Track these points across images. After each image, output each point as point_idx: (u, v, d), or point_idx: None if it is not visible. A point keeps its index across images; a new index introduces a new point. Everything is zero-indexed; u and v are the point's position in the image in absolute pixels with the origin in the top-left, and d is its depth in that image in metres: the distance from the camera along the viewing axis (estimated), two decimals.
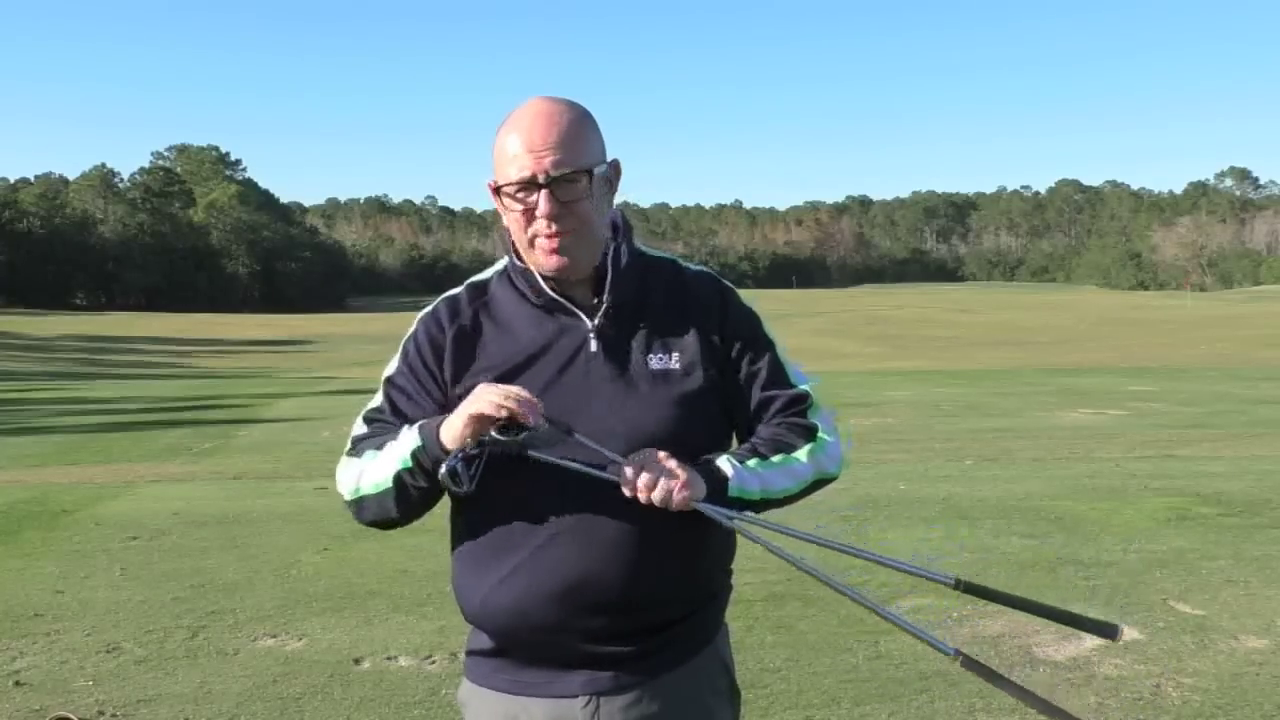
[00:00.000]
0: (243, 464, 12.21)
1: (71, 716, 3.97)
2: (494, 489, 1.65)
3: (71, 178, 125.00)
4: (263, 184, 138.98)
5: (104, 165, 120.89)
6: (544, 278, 1.73)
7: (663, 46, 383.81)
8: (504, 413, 1.56)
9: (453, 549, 1.79)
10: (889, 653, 4.54)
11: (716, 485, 1.65)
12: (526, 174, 1.65)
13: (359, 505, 1.75)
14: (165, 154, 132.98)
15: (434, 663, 4.58)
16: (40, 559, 6.73)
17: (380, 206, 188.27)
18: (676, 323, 1.76)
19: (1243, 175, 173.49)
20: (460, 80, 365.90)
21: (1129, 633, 4.88)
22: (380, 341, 49.06)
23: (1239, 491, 8.50)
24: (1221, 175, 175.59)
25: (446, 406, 1.69)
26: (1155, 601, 5.37)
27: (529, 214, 1.68)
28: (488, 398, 1.58)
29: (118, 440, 15.69)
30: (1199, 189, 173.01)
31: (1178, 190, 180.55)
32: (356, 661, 4.63)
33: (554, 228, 1.67)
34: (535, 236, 1.69)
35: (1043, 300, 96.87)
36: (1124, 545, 6.62)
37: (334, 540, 7.06)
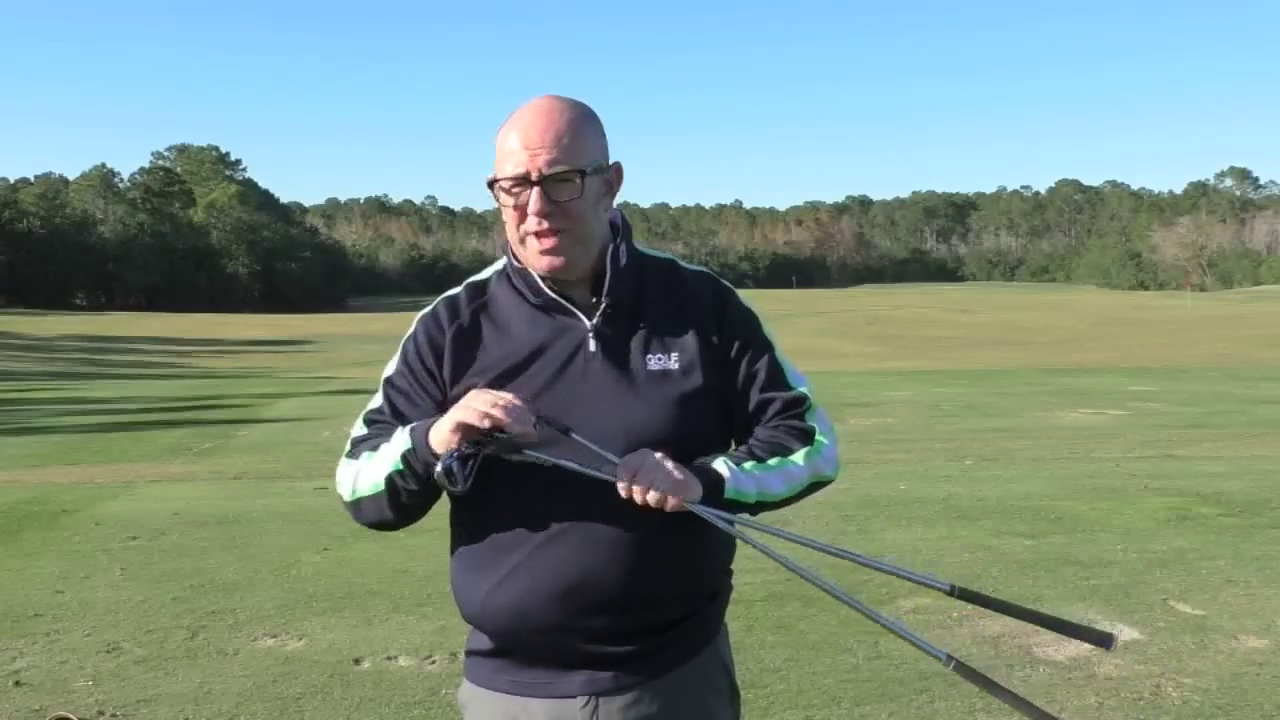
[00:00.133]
0: (243, 464, 12.20)
1: (71, 716, 3.97)
2: (493, 489, 1.65)
3: (71, 178, 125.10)
4: (263, 184, 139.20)
5: (104, 165, 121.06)
6: (542, 277, 1.73)
7: (663, 47, 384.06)
8: (488, 423, 1.55)
9: (452, 549, 1.79)
10: (889, 653, 4.54)
11: (713, 487, 1.65)
12: (520, 170, 1.65)
13: (357, 507, 1.75)
14: (165, 154, 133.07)
15: (434, 663, 4.58)
16: (40, 559, 6.73)
17: (380, 206, 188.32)
18: (675, 323, 1.76)
19: (1243, 175, 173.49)
20: (460, 81, 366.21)
21: (1129, 633, 4.88)
22: (380, 341, 49.07)
23: (1239, 491, 8.50)
24: (1221, 175, 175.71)
25: (445, 407, 1.69)
26: (1155, 601, 5.37)
27: (521, 211, 1.68)
28: (474, 406, 1.58)
29: (118, 440, 15.69)
30: (1199, 189, 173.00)
31: (1178, 190, 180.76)
32: (356, 661, 4.62)
33: (544, 225, 1.67)
34: (527, 234, 1.69)
35: (1043, 300, 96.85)
36: (1124, 545, 6.62)
37: (334, 540, 7.06)
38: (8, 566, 6.53)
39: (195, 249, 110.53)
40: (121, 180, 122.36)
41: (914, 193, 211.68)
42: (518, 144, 1.66)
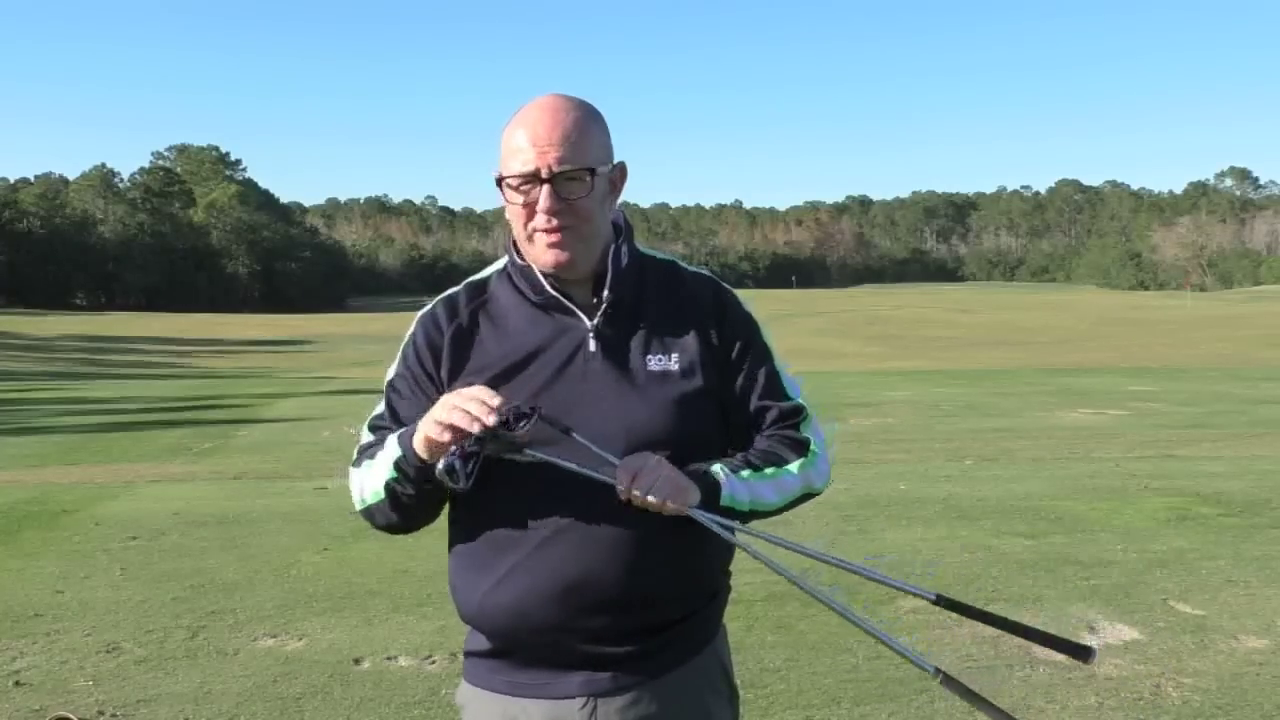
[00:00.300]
0: (243, 464, 12.20)
1: (71, 716, 3.97)
2: (492, 488, 1.65)
3: (71, 178, 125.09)
4: (263, 184, 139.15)
5: (104, 165, 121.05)
6: (544, 275, 1.73)
7: (663, 47, 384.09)
8: (447, 435, 1.54)
9: (450, 549, 1.79)
10: (889, 653, 4.53)
11: (709, 493, 1.65)
12: (530, 168, 1.65)
13: (368, 515, 1.77)
14: (165, 154, 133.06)
15: (434, 663, 4.58)
16: (40, 559, 6.73)
17: (380, 206, 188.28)
18: (675, 324, 1.76)
19: (1243, 175, 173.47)
20: (460, 81, 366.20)
21: (1129, 633, 4.88)
22: (380, 341, 49.09)
23: (1239, 491, 8.50)
24: (1221, 175, 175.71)
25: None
26: (1155, 601, 5.37)
27: (530, 208, 1.68)
28: (434, 417, 1.56)
29: (118, 440, 15.68)
30: (1199, 189, 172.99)
31: (1178, 190, 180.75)
32: (356, 661, 4.62)
33: (554, 223, 1.67)
34: (535, 231, 1.69)
35: (1043, 300, 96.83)
36: (1124, 545, 6.62)
37: (334, 540, 7.06)
38: (8, 566, 6.53)
39: (195, 249, 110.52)
40: (121, 180, 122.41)
41: (914, 193, 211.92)
42: (526, 141, 1.66)
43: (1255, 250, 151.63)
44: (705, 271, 1.88)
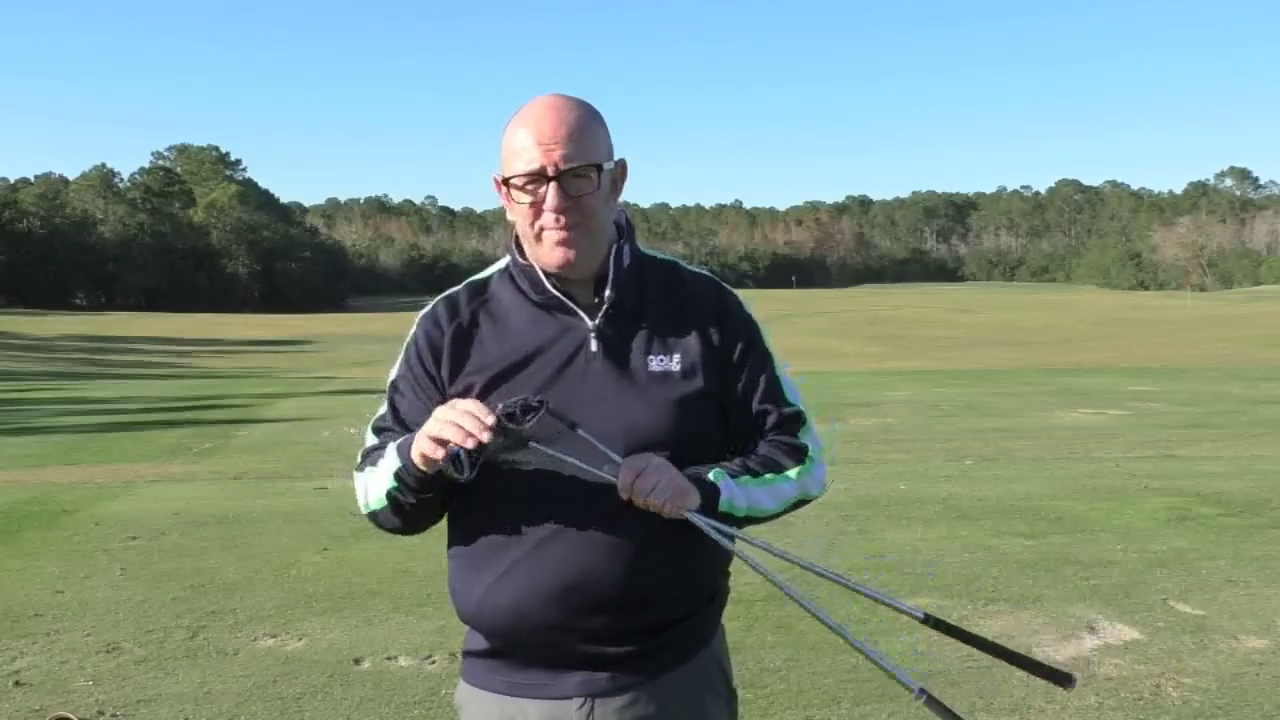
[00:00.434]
0: (243, 464, 12.20)
1: (71, 716, 3.97)
2: (491, 487, 1.65)
3: (71, 178, 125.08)
4: (263, 184, 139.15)
5: (104, 165, 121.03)
6: (546, 275, 1.73)
7: (663, 46, 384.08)
8: (440, 453, 1.54)
9: (449, 549, 1.79)
10: (889, 653, 4.54)
11: (708, 498, 1.65)
12: (535, 166, 1.65)
13: (374, 519, 1.77)
14: (165, 154, 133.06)
15: (434, 663, 4.58)
16: (40, 559, 6.73)
17: (380, 206, 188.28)
18: (677, 325, 1.76)
19: (1243, 175, 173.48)
20: (460, 80, 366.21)
21: (1129, 633, 4.88)
22: (380, 341, 49.09)
23: (1239, 491, 8.50)
24: (1221, 175, 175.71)
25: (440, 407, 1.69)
26: (1155, 601, 5.37)
27: (536, 207, 1.67)
28: (428, 433, 1.56)
29: (118, 440, 15.69)
30: (1199, 189, 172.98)
31: (1178, 190, 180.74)
32: (356, 661, 4.62)
33: (561, 220, 1.66)
34: (542, 230, 1.68)
35: (1043, 300, 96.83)
36: (1124, 545, 6.62)
37: (334, 540, 7.06)
38: (8, 566, 6.52)
39: (195, 249, 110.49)
40: (121, 180, 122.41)
41: (914, 193, 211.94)
42: (530, 140, 1.65)
43: (1255, 250, 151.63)
44: (706, 272, 1.87)
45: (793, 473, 1.77)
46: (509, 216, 1.74)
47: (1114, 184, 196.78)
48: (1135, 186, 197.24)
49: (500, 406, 1.57)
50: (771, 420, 1.80)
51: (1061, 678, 1.62)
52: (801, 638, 4.80)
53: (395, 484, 1.66)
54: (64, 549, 7.01)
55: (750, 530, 1.76)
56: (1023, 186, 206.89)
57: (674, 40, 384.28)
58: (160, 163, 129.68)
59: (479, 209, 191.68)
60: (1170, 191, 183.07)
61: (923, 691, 1.56)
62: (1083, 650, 4.64)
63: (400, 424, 1.75)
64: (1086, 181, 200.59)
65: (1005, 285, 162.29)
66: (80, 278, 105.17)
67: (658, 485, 1.58)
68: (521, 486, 1.66)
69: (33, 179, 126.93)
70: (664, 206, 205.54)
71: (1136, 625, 4.98)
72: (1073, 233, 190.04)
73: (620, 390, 1.70)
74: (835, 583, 1.73)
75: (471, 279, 1.85)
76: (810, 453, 1.81)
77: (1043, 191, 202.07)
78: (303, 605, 5.53)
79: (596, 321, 1.73)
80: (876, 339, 55.36)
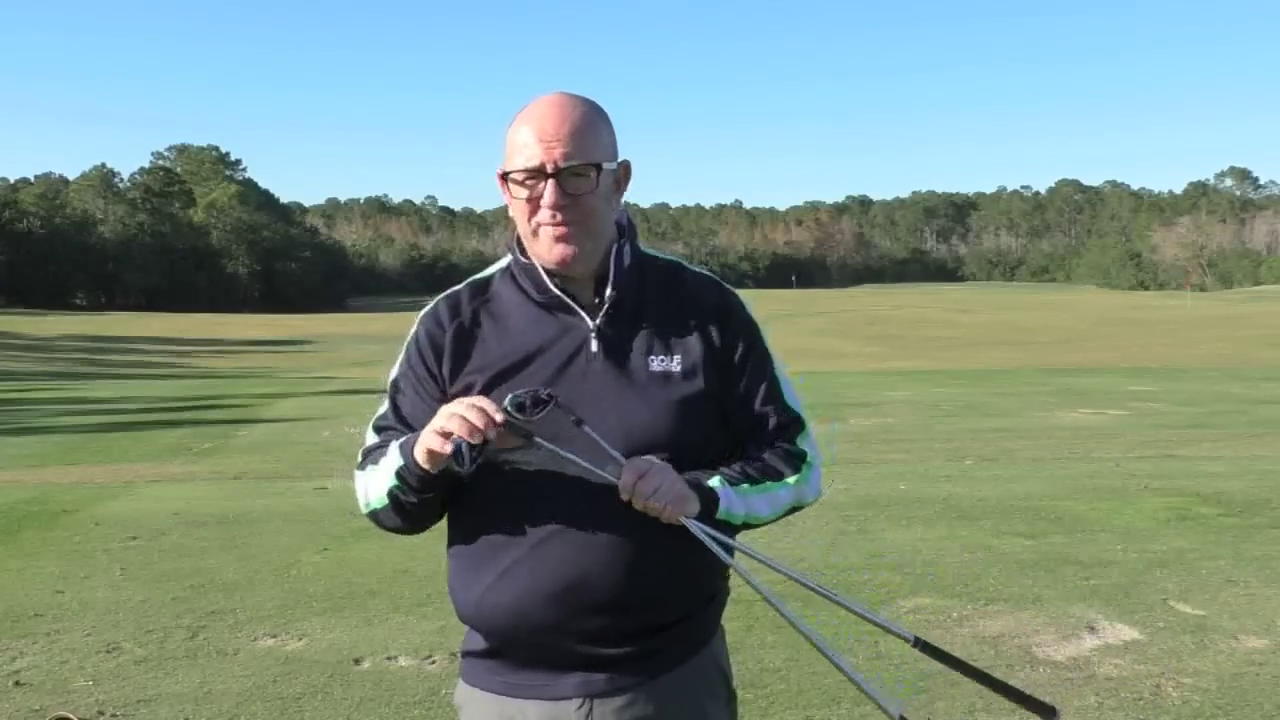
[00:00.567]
0: (243, 464, 12.21)
1: (71, 716, 3.97)
2: (492, 487, 1.65)
3: (71, 178, 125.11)
4: (263, 184, 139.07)
5: (104, 165, 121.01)
6: (548, 274, 1.73)
7: (663, 46, 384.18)
8: (449, 447, 1.53)
9: (449, 549, 1.79)
10: (889, 653, 4.54)
11: (708, 505, 1.65)
12: (535, 163, 1.65)
13: (374, 518, 1.77)
14: (165, 154, 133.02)
15: (434, 663, 4.58)
16: (40, 559, 6.73)
17: (380, 206, 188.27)
18: (678, 325, 1.76)
19: (1243, 175, 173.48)
20: (460, 80, 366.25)
21: (1129, 633, 4.88)
22: (380, 341, 49.08)
23: (1239, 491, 8.50)
24: (1221, 175, 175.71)
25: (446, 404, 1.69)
26: (1155, 601, 5.36)
27: (534, 203, 1.67)
28: (434, 427, 1.56)
29: (118, 440, 15.69)
30: (1199, 189, 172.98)
31: (1178, 190, 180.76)
32: (356, 661, 4.62)
33: (558, 218, 1.66)
34: (539, 226, 1.69)
35: (1043, 300, 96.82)
36: (1124, 545, 6.62)
37: (334, 540, 7.06)
38: (8, 566, 6.52)
39: (195, 249, 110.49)
40: (121, 180, 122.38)
41: (914, 193, 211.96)
42: (532, 137, 1.65)
43: (1255, 250, 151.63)
44: (711, 274, 1.87)
45: (791, 480, 1.78)
46: (510, 212, 1.74)
47: (1114, 184, 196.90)
48: (1135, 186, 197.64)
49: (510, 396, 1.58)
50: (771, 424, 1.79)
51: (1045, 710, 1.62)
52: (801, 638, 4.80)
53: (397, 482, 1.66)
54: (64, 549, 7.01)
55: (749, 534, 1.76)
56: (1023, 186, 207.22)
57: (674, 40, 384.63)
58: (160, 163, 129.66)
59: (479, 209, 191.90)
60: (1170, 191, 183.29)
61: (902, 718, 1.59)
62: (1083, 650, 4.64)
63: (402, 422, 1.75)
64: (1086, 181, 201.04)
65: (1005, 285, 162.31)
66: (80, 278, 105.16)
67: (659, 489, 1.58)
68: (522, 486, 1.66)
69: (33, 179, 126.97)
70: (664, 206, 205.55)
71: (1136, 625, 4.98)
72: (1073, 233, 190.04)
73: (620, 390, 1.70)
74: (830, 600, 1.73)
75: (473, 278, 1.85)
76: (809, 459, 1.81)
77: (1043, 191, 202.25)
78: (303, 605, 5.53)
79: (597, 321, 1.73)
80: (876, 339, 55.35)
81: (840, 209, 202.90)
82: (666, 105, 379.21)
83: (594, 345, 1.72)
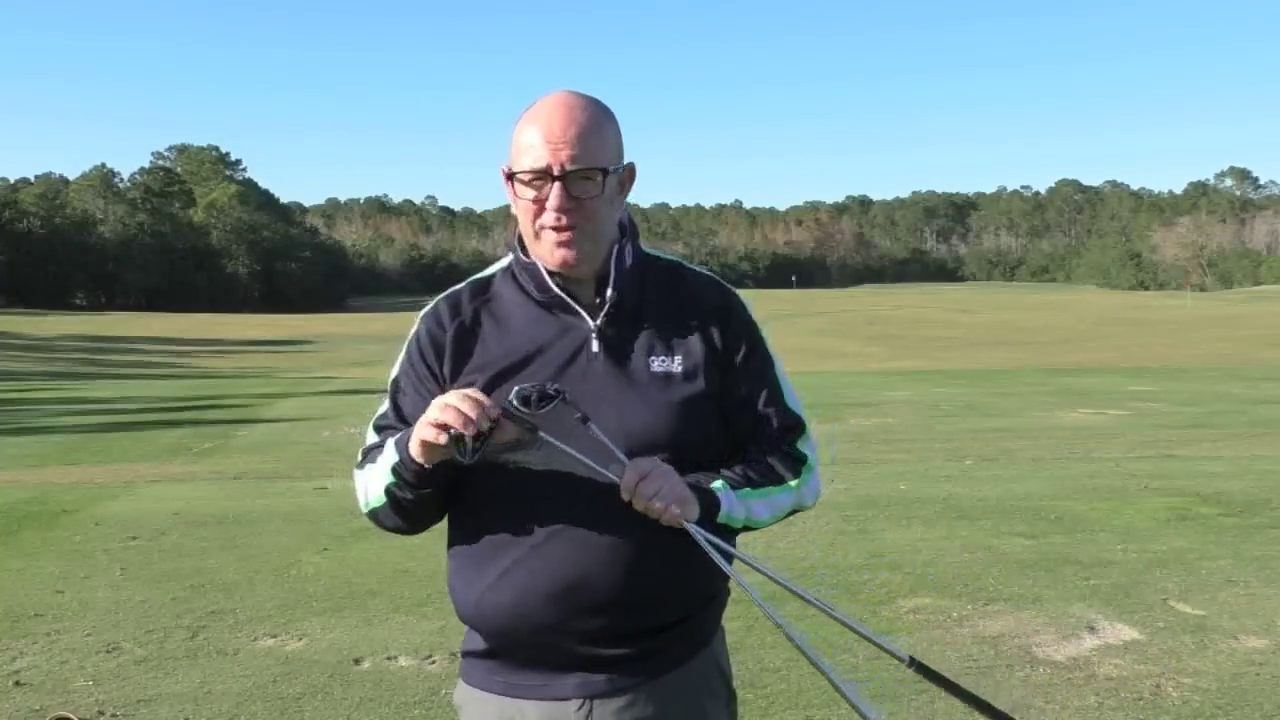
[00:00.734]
0: (243, 464, 12.21)
1: (71, 716, 3.97)
2: (492, 487, 1.65)
3: (71, 178, 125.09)
4: (263, 184, 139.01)
5: (104, 165, 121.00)
6: (550, 273, 1.73)
7: (663, 46, 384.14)
8: (444, 438, 1.53)
9: (449, 548, 1.79)
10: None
11: (709, 509, 1.65)
12: (541, 164, 1.64)
13: (374, 517, 1.77)
14: (165, 154, 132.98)
15: (434, 663, 4.58)
16: (40, 559, 6.73)
17: (380, 206, 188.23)
18: (679, 326, 1.76)
19: (1243, 175, 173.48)
20: (461, 80, 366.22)
21: (1129, 633, 4.88)
22: (380, 341, 49.06)
23: (1239, 491, 8.50)
24: (1221, 175, 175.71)
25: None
26: (1155, 601, 5.36)
27: (539, 205, 1.67)
28: (428, 419, 1.55)
29: (118, 440, 15.69)
30: (1199, 189, 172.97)
31: (1178, 190, 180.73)
32: (356, 661, 4.62)
33: (563, 220, 1.66)
34: (542, 228, 1.68)
35: (1043, 300, 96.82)
36: (1124, 545, 6.62)
37: (334, 540, 7.06)
38: (8, 566, 6.52)
39: (195, 249, 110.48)
40: (121, 180, 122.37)
41: (914, 193, 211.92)
42: (539, 138, 1.65)
43: (1255, 250, 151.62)
44: (712, 274, 1.87)
45: (791, 483, 1.78)
46: (513, 211, 1.74)
47: (1114, 184, 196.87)
48: (1135, 186, 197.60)
49: (516, 389, 1.57)
50: (772, 426, 1.79)
51: None
52: (801, 638, 4.80)
53: (393, 478, 1.66)
54: (64, 549, 7.01)
55: (750, 538, 1.76)
56: (1023, 186, 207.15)
57: (674, 40, 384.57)
58: (160, 163, 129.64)
59: (479, 209, 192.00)
60: (1170, 191, 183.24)
61: None
62: (1083, 650, 4.64)
63: (402, 421, 1.75)
64: (1086, 181, 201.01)
65: (1005, 285, 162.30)
66: (80, 278, 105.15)
67: (660, 491, 1.58)
68: (522, 486, 1.66)
69: (33, 179, 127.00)
70: (664, 206, 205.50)
71: (1136, 625, 4.98)
72: (1073, 233, 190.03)
73: (620, 390, 1.69)
74: (826, 614, 1.74)
75: (474, 277, 1.85)
76: (809, 462, 1.81)
77: (1043, 191, 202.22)
78: (303, 605, 5.53)
79: (598, 322, 1.73)
80: (876, 339, 55.35)
81: (840, 209, 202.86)
82: (666, 105, 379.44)
83: (595, 345, 1.72)
